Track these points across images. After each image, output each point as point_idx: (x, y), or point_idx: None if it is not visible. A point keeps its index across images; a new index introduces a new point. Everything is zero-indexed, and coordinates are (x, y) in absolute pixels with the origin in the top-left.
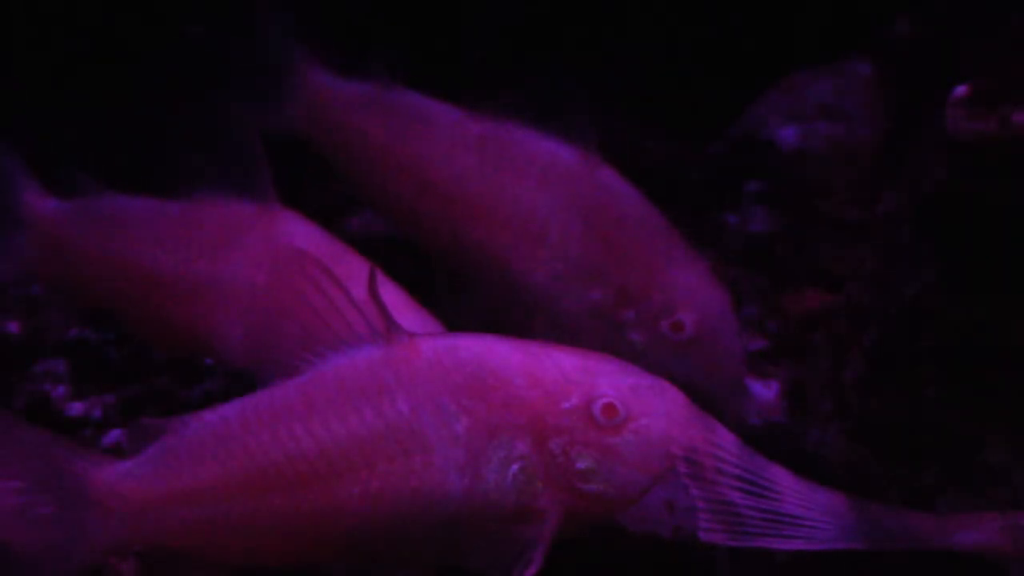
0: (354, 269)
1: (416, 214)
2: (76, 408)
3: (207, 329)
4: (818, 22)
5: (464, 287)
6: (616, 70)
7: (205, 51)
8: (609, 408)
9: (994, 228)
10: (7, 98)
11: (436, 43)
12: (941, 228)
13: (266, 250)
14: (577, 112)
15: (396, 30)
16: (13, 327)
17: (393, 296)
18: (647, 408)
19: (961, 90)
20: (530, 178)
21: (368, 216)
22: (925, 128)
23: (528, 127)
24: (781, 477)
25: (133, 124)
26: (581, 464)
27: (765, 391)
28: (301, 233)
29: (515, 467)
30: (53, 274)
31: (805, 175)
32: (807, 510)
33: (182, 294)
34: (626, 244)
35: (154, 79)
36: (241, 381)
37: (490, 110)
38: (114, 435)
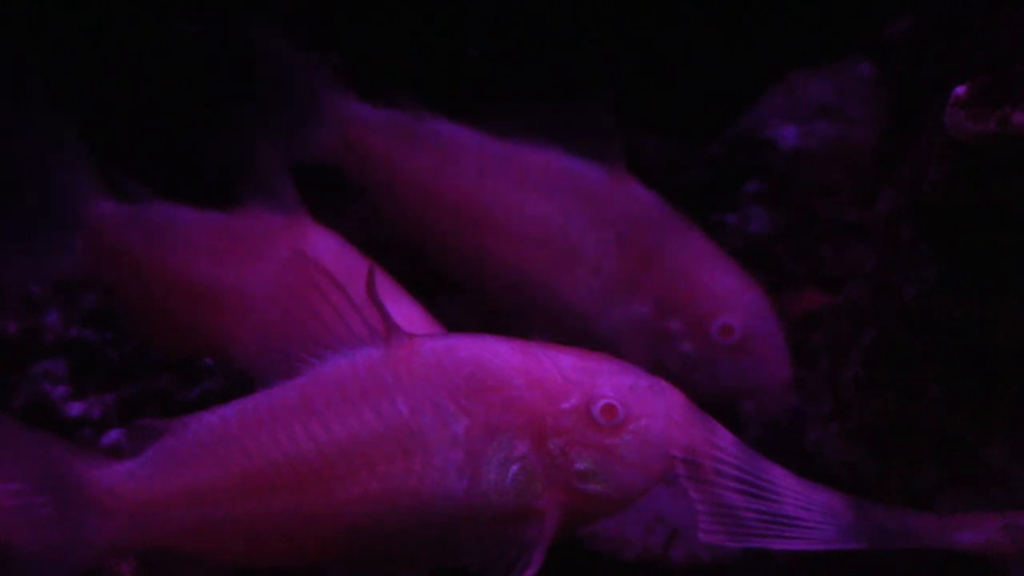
0: (383, 287)
1: (449, 242)
2: (75, 408)
3: (237, 339)
4: (818, 22)
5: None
6: (616, 70)
7: (232, 80)
8: (609, 409)
9: (994, 228)
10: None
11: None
12: (941, 228)
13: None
14: (603, 127)
15: (412, 52)
16: (13, 327)
17: (407, 311)
18: (647, 408)
19: (961, 90)
20: (560, 199)
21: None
22: (925, 128)
23: (554, 146)
24: (781, 477)
25: (165, 134)
26: (580, 465)
27: None
28: (325, 246)
29: (515, 468)
30: (101, 275)
31: (805, 175)
32: (807, 510)
33: (214, 304)
34: (661, 254)
35: (171, 84)
36: (241, 381)
37: (517, 131)
38: (113, 435)
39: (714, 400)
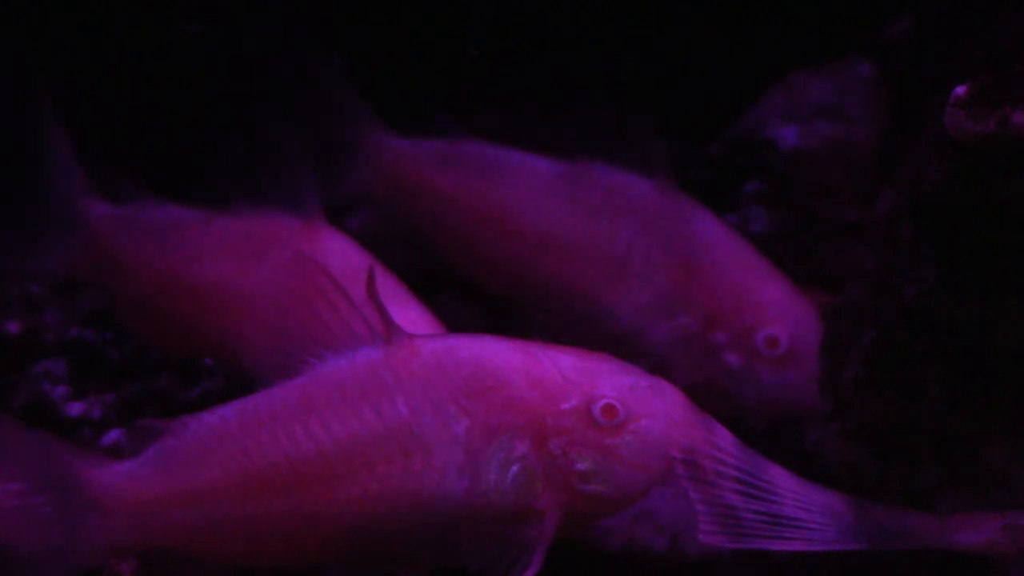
0: (387, 288)
1: (499, 262)
2: (75, 408)
3: (241, 340)
4: (818, 22)
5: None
6: (616, 70)
7: (273, 120)
8: (609, 409)
9: (994, 228)
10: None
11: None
12: (941, 228)
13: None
14: (648, 141)
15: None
16: (13, 327)
17: (411, 314)
18: (647, 408)
19: (961, 90)
20: (607, 213)
21: (367, 215)
22: (925, 128)
23: (601, 161)
24: (781, 478)
25: (182, 133)
26: (581, 465)
27: None
28: (338, 249)
29: (515, 468)
30: (95, 276)
31: (805, 175)
32: (807, 511)
33: (219, 305)
34: (708, 267)
35: (189, 83)
36: (241, 381)
37: (563, 148)
38: (113, 435)
39: (760, 415)
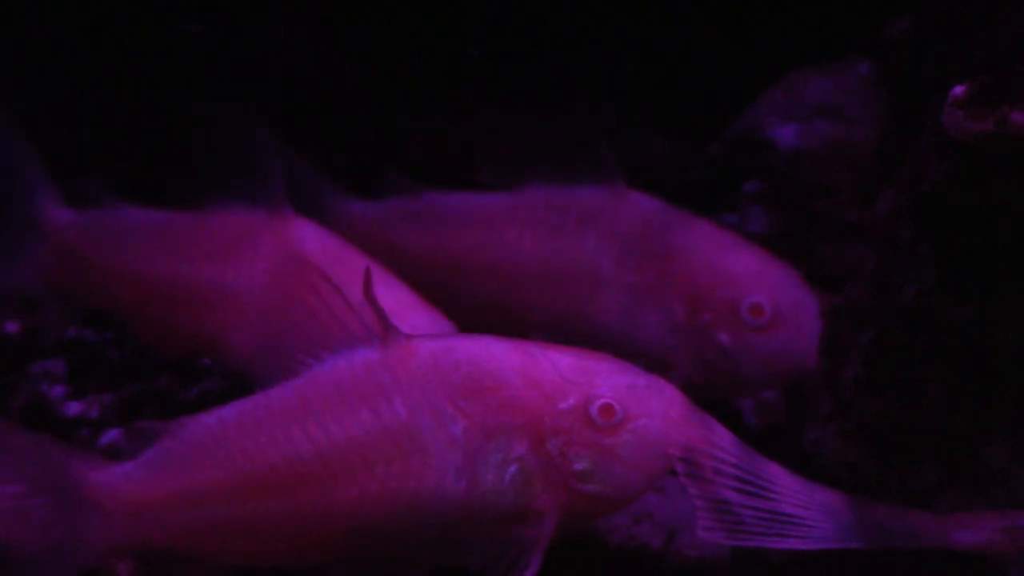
0: (377, 279)
1: (478, 303)
2: (74, 408)
3: (222, 337)
4: (818, 22)
5: None
6: (616, 70)
7: (236, 111)
8: (606, 408)
9: (994, 228)
10: (28, 107)
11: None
12: (941, 228)
13: (278, 256)
14: (596, 145)
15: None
16: (12, 327)
17: (401, 295)
18: (644, 408)
19: (960, 89)
20: (567, 231)
21: None
22: (925, 128)
23: (550, 179)
24: (779, 476)
25: (144, 132)
26: (579, 465)
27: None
28: (312, 238)
29: (513, 468)
30: (68, 284)
31: (805, 175)
32: (805, 509)
33: (196, 303)
34: (677, 254)
35: (159, 84)
36: (239, 382)
37: (511, 175)
38: (111, 435)
39: (766, 385)
